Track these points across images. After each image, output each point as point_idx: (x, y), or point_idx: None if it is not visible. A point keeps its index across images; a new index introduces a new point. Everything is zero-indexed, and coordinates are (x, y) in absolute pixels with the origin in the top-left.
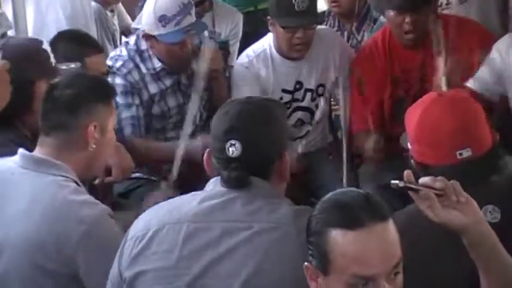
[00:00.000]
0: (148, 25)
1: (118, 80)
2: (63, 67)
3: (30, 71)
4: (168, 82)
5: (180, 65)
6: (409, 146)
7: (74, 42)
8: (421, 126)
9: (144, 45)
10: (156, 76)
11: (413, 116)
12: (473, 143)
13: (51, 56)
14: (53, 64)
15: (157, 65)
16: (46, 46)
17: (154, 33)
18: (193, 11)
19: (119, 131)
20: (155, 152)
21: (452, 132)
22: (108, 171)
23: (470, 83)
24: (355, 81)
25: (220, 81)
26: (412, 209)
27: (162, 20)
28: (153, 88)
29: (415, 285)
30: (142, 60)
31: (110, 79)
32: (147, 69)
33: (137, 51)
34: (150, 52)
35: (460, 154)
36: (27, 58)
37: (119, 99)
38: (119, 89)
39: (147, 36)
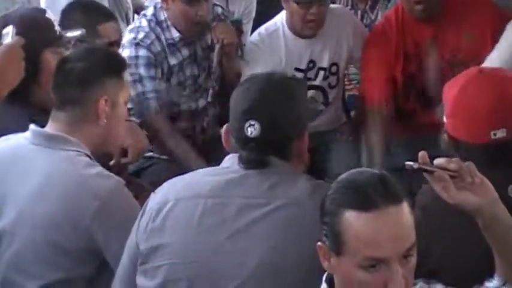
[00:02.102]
0: None
1: (142, 52)
2: (69, 34)
3: (36, 41)
4: (185, 53)
5: (194, 30)
6: (444, 119)
7: (85, 9)
8: (459, 101)
9: (162, 16)
10: (175, 47)
11: (451, 90)
12: (509, 124)
13: (55, 24)
14: (58, 32)
15: (175, 35)
16: (50, 15)
17: None
18: None
19: (142, 103)
20: (168, 145)
21: (490, 111)
22: (123, 152)
23: (487, 64)
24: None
25: (232, 57)
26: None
27: None
28: (172, 59)
29: (434, 259)
30: (162, 30)
31: (133, 50)
32: (166, 39)
33: (157, 22)
34: (169, 22)
35: (495, 134)
36: (31, 28)
37: (143, 71)
38: (142, 61)
39: None
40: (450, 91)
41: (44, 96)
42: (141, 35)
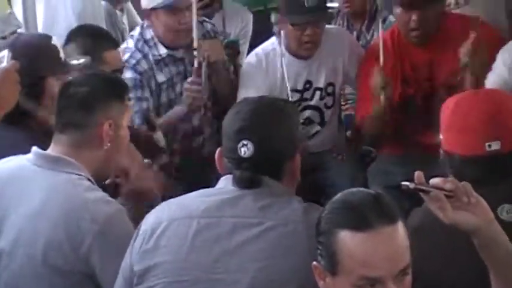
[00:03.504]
0: (145, 0)
1: (128, 74)
2: (73, 62)
3: (41, 67)
4: (174, 70)
5: (179, 40)
6: (440, 137)
7: (91, 36)
8: (454, 116)
9: (148, 34)
10: (163, 63)
11: (447, 107)
12: (504, 136)
13: (61, 51)
14: (63, 59)
15: (163, 51)
16: (55, 41)
17: (153, 4)
18: None
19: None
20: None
21: (484, 123)
22: (122, 172)
23: None
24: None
25: (219, 74)
26: (425, 209)
27: None
28: (160, 77)
29: (428, 281)
30: (149, 48)
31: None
32: (153, 56)
33: (144, 41)
34: (155, 40)
35: (489, 146)
36: (37, 54)
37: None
38: (128, 83)
39: (147, 13)
40: (446, 109)
41: (47, 120)
42: (126, 56)
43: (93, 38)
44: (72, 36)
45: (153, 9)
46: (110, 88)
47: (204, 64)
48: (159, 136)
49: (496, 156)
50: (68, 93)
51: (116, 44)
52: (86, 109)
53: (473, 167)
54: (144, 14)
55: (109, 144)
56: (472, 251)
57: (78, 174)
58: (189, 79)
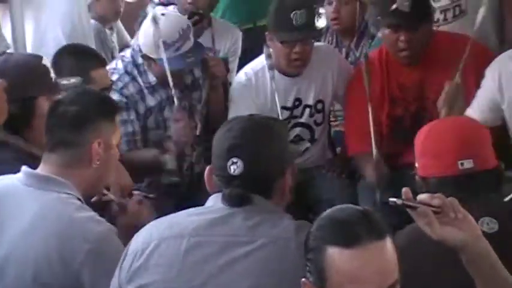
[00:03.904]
0: (147, 47)
1: (113, 96)
2: (64, 82)
3: (31, 87)
4: (164, 94)
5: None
6: (416, 165)
7: (78, 55)
8: (426, 140)
9: (140, 59)
10: (153, 89)
11: (420, 134)
12: (475, 155)
13: (51, 71)
14: (53, 79)
15: (152, 79)
16: (46, 61)
17: (154, 56)
18: (191, 35)
19: None
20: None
21: (455, 142)
22: (106, 190)
23: (468, 112)
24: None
25: (218, 92)
26: (413, 228)
27: (162, 45)
28: (151, 100)
29: None
30: (139, 72)
31: None
32: (144, 82)
33: (134, 64)
34: (146, 67)
35: (462, 164)
36: (27, 74)
37: None
38: None
39: (146, 57)
40: (419, 137)
41: (37, 140)
42: (114, 77)
43: (80, 57)
44: (60, 55)
45: (153, 58)
46: (100, 107)
47: (207, 81)
48: (167, 158)
49: (470, 174)
50: (58, 112)
51: (103, 63)
52: (76, 128)
53: (448, 187)
54: (143, 57)
55: (98, 163)
56: (458, 267)
57: (68, 194)
58: (174, 115)
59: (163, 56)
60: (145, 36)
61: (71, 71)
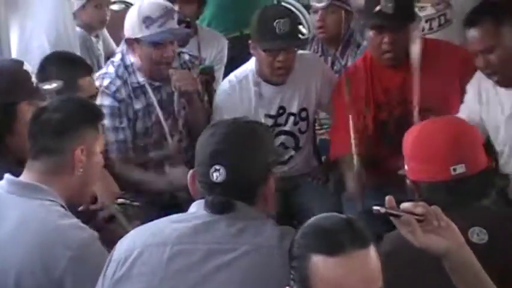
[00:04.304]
0: (131, 28)
1: (107, 101)
2: (46, 86)
3: (12, 92)
4: (150, 99)
5: (161, 72)
6: (405, 167)
7: (65, 63)
8: (417, 143)
9: (128, 60)
10: (140, 90)
11: (409, 135)
12: (467, 159)
13: (33, 76)
14: (35, 84)
15: (141, 79)
16: (27, 66)
17: (138, 35)
18: (175, 17)
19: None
20: (137, 182)
21: (447, 147)
22: (93, 198)
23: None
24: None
25: (194, 104)
26: (397, 235)
27: (146, 21)
28: (137, 103)
29: None
30: (129, 74)
31: (98, 98)
32: (131, 83)
33: (124, 67)
34: (134, 67)
35: (454, 170)
36: (8, 80)
37: (106, 121)
38: (106, 111)
39: (130, 41)
40: (408, 138)
41: (20, 146)
42: (106, 82)
43: (67, 65)
44: (46, 63)
45: (137, 39)
46: (83, 114)
47: (176, 94)
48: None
49: (462, 179)
50: (41, 119)
51: (89, 71)
52: (59, 135)
53: (440, 192)
54: (127, 41)
55: (81, 171)
56: (442, 274)
57: (51, 201)
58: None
59: (146, 32)
60: (129, 18)
61: (58, 78)
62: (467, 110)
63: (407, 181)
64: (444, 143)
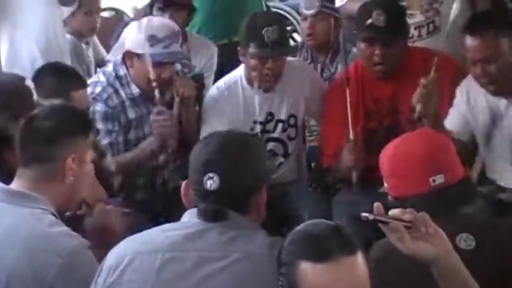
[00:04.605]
0: (135, 42)
1: (98, 107)
2: (46, 103)
3: (13, 107)
4: (144, 110)
5: (151, 90)
6: (385, 185)
7: (59, 76)
8: (394, 160)
9: (121, 71)
10: (134, 102)
11: (385, 153)
12: (445, 169)
13: (34, 92)
14: (36, 101)
15: (135, 90)
16: (29, 82)
17: (141, 51)
18: (180, 41)
19: (98, 157)
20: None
21: (423, 158)
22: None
23: None
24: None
25: (190, 110)
26: (386, 242)
27: (151, 39)
28: (131, 113)
29: None
30: (121, 85)
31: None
32: (126, 94)
33: (116, 77)
34: (128, 78)
35: (434, 181)
36: (10, 95)
37: (100, 125)
38: (99, 116)
39: (130, 54)
40: (385, 156)
41: (15, 161)
42: (98, 89)
43: (61, 78)
44: (40, 74)
45: (138, 54)
46: (75, 123)
47: (177, 100)
48: (109, 161)
49: (443, 189)
50: (32, 127)
51: (83, 84)
52: (50, 144)
53: (423, 205)
54: (127, 54)
55: (72, 179)
56: (430, 282)
57: (42, 209)
58: (155, 109)
59: (150, 50)
60: (133, 31)
61: (51, 91)
62: (456, 112)
63: (389, 197)
64: (421, 156)
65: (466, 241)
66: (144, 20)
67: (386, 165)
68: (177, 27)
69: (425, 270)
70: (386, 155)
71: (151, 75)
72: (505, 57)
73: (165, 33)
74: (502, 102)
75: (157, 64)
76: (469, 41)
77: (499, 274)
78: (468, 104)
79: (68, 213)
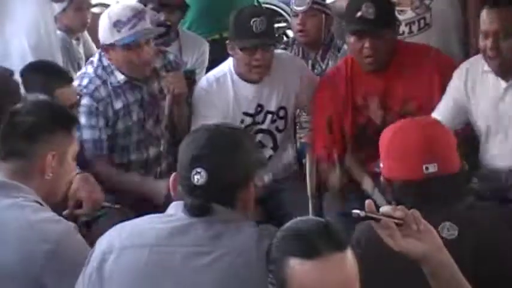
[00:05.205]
0: (104, 35)
1: (84, 100)
2: (32, 98)
3: (2, 99)
4: (130, 97)
5: (139, 73)
6: (380, 165)
7: (44, 73)
8: (392, 142)
9: (106, 61)
10: (120, 90)
11: (386, 134)
12: (440, 159)
13: (21, 87)
14: (22, 95)
15: (120, 77)
16: (16, 76)
17: (111, 40)
18: (148, 18)
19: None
20: (118, 184)
21: (420, 146)
22: (78, 204)
23: (433, 115)
24: (322, 120)
25: (181, 107)
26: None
27: (117, 25)
28: (117, 104)
29: None
30: (108, 74)
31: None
32: (111, 83)
33: (102, 67)
34: (113, 67)
35: (427, 168)
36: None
37: (83, 119)
38: (83, 109)
39: (105, 48)
40: (384, 137)
41: None
42: (85, 82)
43: (45, 76)
44: (25, 72)
45: (111, 44)
46: (56, 119)
47: (168, 97)
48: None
49: (434, 178)
50: (14, 122)
51: (69, 80)
52: (29, 140)
53: (412, 190)
54: (102, 48)
55: (51, 175)
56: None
57: (24, 197)
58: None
59: (119, 36)
60: (101, 24)
61: (37, 88)
62: (451, 96)
63: (381, 178)
64: (419, 142)
65: (449, 230)
66: (107, 10)
67: (385, 144)
68: (140, 6)
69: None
70: (387, 135)
71: (130, 59)
72: None
73: (129, 15)
74: (502, 85)
75: (131, 47)
76: (487, 13)
77: (480, 264)
78: (465, 87)
79: (65, 212)
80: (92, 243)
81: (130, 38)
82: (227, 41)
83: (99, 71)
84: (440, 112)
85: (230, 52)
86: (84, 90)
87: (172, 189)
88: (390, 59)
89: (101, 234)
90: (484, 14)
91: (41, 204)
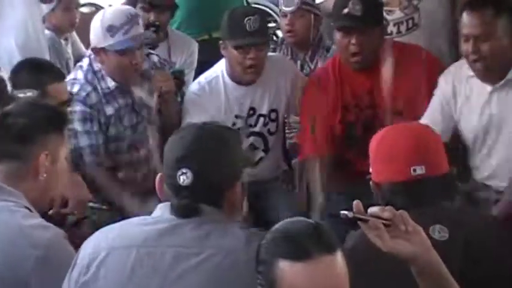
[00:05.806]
0: (96, 38)
1: (77, 107)
2: (20, 95)
3: None
4: (122, 102)
5: (130, 79)
6: (370, 170)
7: (35, 70)
8: (381, 145)
9: (96, 66)
10: (111, 95)
11: (375, 138)
12: (427, 162)
13: (8, 84)
14: (9, 92)
15: (111, 84)
16: (3, 73)
17: (104, 45)
18: (141, 22)
19: (78, 158)
20: (109, 193)
21: (408, 148)
22: (64, 203)
23: (422, 121)
24: (308, 120)
25: (170, 105)
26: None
27: (110, 30)
28: (109, 110)
29: None
30: (98, 80)
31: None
32: (102, 89)
33: (93, 72)
34: (103, 72)
35: (414, 170)
36: None
37: (78, 126)
38: (77, 116)
39: (96, 51)
40: (373, 142)
41: None
42: (76, 88)
43: (37, 72)
44: (16, 69)
45: (103, 48)
46: (48, 119)
47: (155, 95)
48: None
49: (421, 180)
50: (6, 124)
51: (61, 77)
52: (23, 141)
53: (401, 193)
54: (93, 51)
55: (45, 175)
56: (404, 273)
57: (15, 202)
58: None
59: (112, 41)
60: (93, 27)
61: (28, 85)
62: (439, 100)
63: (371, 183)
64: (406, 144)
65: (440, 232)
66: (100, 13)
67: (373, 151)
68: (133, 11)
69: (398, 261)
70: (375, 140)
71: (122, 64)
72: (498, 39)
73: (123, 20)
74: (487, 89)
75: (124, 52)
76: (467, 16)
77: (471, 265)
78: (453, 92)
79: (51, 212)
80: (79, 244)
81: (125, 43)
82: (220, 41)
83: (90, 77)
84: (428, 117)
85: (223, 52)
86: (76, 97)
87: (158, 190)
88: (377, 58)
89: (89, 235)
90: (464, 18)
91: (30, 211)
